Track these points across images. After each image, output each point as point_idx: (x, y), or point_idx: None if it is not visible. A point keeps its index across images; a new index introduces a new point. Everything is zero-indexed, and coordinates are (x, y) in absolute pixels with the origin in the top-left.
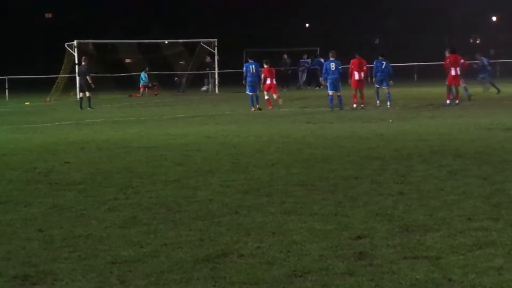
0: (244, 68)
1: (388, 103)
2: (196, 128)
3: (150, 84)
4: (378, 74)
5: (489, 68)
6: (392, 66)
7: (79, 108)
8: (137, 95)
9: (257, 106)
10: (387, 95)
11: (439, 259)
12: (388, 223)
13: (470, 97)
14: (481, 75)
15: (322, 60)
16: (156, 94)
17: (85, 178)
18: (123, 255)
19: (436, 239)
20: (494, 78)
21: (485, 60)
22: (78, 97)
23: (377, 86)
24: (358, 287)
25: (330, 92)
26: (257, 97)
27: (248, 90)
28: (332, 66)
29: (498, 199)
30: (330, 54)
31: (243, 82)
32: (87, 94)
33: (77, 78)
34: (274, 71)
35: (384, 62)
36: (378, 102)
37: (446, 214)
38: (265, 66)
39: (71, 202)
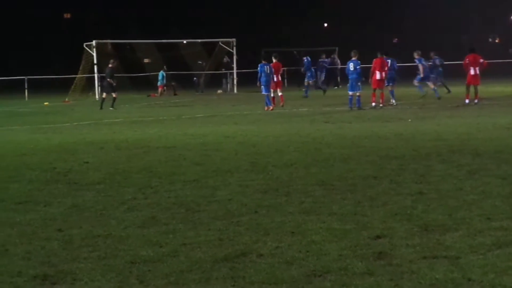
0: (258, 69)
1: (393, 101)
2: (215, 128)
3: (168, 83)
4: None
5: (440, 69)
6: (410, 65)
7: (100, 108)
8: (156, 94)
9: (273, 105)
10: (391, 92)
11: (458, 258)
12: (407, 223)
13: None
14: (432, 75)
15: (327, 60)
16: (175, 95)
17: (104, 178)
18: (142, 255)
19: (456, 239)
20: (445, 78)
21: (437, 60)
22: (99, 97)
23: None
24: (378, 286)
25: (350, 93)
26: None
27: (263, 90)
28: (351, 66)
29: None
30: (352, 53)
31: (257, 83)
32: (114, 95)
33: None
34: (281, 66)
35: (389, 60)
36: (393, 101)
37: (465, 214)
38: (274, 60)
39: (90, 202)
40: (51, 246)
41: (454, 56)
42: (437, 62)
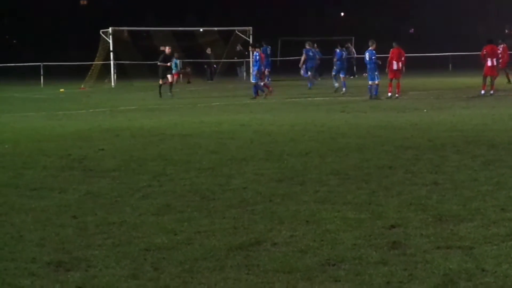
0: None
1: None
2: (231, 116)
3: (183, 71)
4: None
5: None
6: (426, 56)
7: (159, 96)
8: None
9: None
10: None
11: (472, 249)
12: (421, 213)
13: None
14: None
15: (338, 50)
16: (188, 82)
17: (119, 165)
18: (157, 243)
19: (470, 229)
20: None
21: (339, 53)
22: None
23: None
24: (391, 276)
25: (370, 82)
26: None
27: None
28: (366, 56)
29: None
30: (369, 43)
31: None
32: (169, 79)
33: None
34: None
35: (344, 53)
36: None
37: (479, 204)
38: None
39: (105, 189)
40: (66, 232)
41: (470, 46)
42: (339, 56)
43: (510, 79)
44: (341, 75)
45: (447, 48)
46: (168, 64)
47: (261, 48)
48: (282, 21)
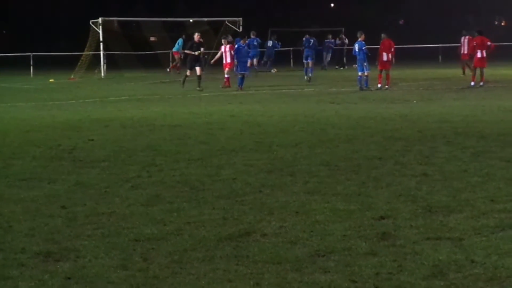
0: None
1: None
2: (220, 107)
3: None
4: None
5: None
6: (416, 47)
7: (182, 86)
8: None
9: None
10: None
11: (462, 240)
12: (411, 204)
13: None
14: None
15: (311, 40)
16: (178, 73)
17: (108, 155)
18: (146, 233)
19: (459, 221)
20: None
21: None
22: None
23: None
24: (381, 267)
25: (359, 73)
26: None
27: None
28: (356, 47)
29: None
30: (358, 34)
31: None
32: (198, 71)
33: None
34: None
35: (312, 40)
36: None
37: (469, 196)
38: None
39: (94, 179)
40: (55, 223)
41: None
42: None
43: (465, 72)
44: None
45: (437, 39)
46: (196, 53)
47: (247, 39)
48: (272, 12)
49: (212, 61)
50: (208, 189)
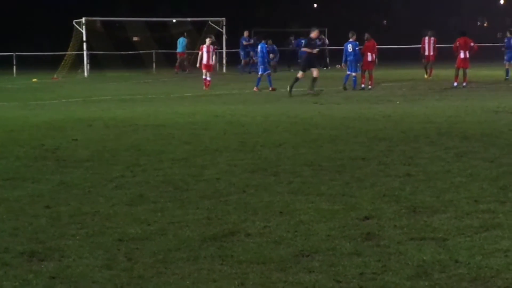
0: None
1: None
2: (204, 107)
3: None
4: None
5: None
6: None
7: (289, 93)
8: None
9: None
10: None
11: (446, 240)
12: (395, 204)
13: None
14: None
15: (303, 41)
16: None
17: (92, 155)
18: (131, 233)
19: (443, 221)
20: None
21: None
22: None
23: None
24: (365, 267)
25: (348, 72)
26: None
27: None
28: (349, 47)
29: (505, 181)
30: (350, 34)
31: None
32: (314, 73)
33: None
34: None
35: (303, 41)
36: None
37: (453, 196)
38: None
39: (78, 179)
40: (39, 222)
41: (442, 39)
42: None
43: (428, 74)
44: None
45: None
46: (315, 51)
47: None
48: (255, 11)
49: (198, 65)
50: (192, 189)
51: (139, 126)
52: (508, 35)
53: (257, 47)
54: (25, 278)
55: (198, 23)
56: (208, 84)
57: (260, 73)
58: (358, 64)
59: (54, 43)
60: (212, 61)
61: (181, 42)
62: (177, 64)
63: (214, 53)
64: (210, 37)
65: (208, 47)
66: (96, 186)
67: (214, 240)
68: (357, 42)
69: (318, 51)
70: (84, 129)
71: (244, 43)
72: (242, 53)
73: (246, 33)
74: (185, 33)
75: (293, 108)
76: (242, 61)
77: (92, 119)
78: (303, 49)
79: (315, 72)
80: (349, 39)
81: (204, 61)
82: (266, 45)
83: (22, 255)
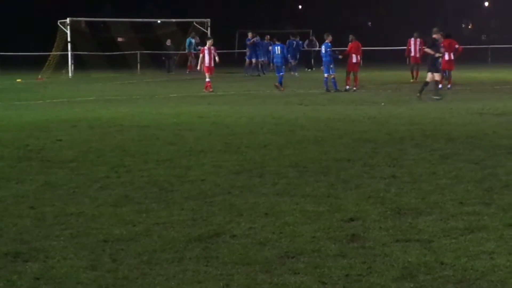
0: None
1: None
2: (189, 108)
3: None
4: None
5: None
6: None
7: (419, 96)
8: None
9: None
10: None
11: (431, 242)
12: (380, 206)
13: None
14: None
15: (294, 42)
16: (198, 70)
17: (77, 156)
18: (115, 234)
19: (428, 223)
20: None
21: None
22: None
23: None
24: (350, 269)
25: (325, 75)
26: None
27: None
28: (322, 49)
29: (490, 183)
30: (325, 36)
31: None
32: (437, 77)
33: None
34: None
35: (295, 42)
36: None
37: (438, 198)
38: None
39: (63, 179)
40: (23, 223)
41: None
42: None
43: (414, 77)
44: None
45: (405, 42)
46: (437, 55)
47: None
48: (240, 12)
49: (198, 68)
50: (177, 190)
51: (123, 126)
52: None
53: (258, 47)
54: (9, 279)
55: (183, 24)
56: (208, 86)
57: (325, 74)
58: (331, 66)
59: (39, 43)
60: (217, 61)
61: (189, 42)
62: (188, 63)
63: (216, 54)
64: (210, 39)
65: (209, 49)
66: (80, 186)
67: (199, 241)
68: (330, 44)
69: (439, 56)
70: (68, 129)
71: (248, 43)
72: (248, 53)
73: (250, 35)
74: (193, 33)
75: (278, 110)
76: (246, 61)
77: (76, 120)
78: (427, 50)
79: (437, 77)
80: (324, 40)
81: (206, 63)
82: (330, 44)
83: (6, 256)
